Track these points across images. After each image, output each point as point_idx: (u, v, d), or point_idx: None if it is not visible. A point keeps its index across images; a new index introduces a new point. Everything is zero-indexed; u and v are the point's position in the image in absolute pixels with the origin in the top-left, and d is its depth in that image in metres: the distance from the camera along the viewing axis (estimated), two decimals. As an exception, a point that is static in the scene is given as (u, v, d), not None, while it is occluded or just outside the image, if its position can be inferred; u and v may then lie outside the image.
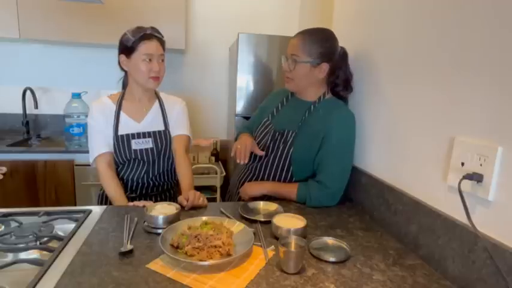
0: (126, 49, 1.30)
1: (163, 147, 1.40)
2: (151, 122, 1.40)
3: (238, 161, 1.26)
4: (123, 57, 1.32)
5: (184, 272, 0.80)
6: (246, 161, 1.25)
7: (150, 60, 1.29)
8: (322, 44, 1.22)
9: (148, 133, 1.38)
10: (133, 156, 1.35)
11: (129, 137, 1.35)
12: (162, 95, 1.48)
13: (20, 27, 2.21)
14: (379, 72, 1.20)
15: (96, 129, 1.34)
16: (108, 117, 1.35)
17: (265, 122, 1.39)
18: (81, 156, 2.15)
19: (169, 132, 1.43)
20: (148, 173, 1.40)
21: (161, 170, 1.42)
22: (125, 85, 1.43)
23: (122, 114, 1.37)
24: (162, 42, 1.34)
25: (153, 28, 1.33)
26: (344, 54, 1.30)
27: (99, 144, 1.33)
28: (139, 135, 1.36)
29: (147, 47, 1.28)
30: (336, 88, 1.31)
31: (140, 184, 1.40)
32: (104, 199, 1.43)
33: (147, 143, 1.37)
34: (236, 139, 1.52)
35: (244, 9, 2.79)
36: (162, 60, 1.34)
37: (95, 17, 2.28)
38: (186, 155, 1.41)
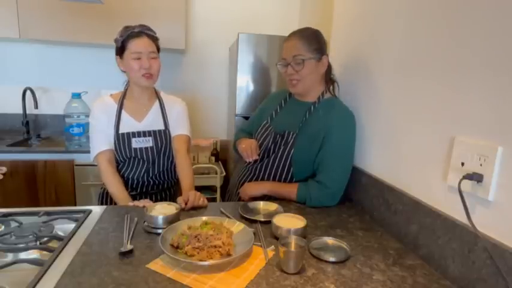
0: (118, 50, 1.32)
1: (163, 146, 1.40)
2: (152, 121, 1.41)
3: (247, 159, 1.29)
4: (118, 58, 1.34)
5: (184, 272, 0.80)
6: (255, 158, 1.28)
7: (139, 58, 1.28)
8: (317, 39, 1.25)
9: (149, 132, 1.39)
10: (133, 155, 1.36)
11: (130, 135, 1.36)
12: (162, 94, 1.48)
13: (20, 27, 2.21)
14: (379, 72, 1.20)
15: (97, 128, 1.35)
16: (110, 116, 1.36)
17: (265, 124, 1.39)
18: (81, 156, 2.15)
19: (169, 131, 1.43)
20: (148, 172, 1.40)
21: (161, 169, 1.43)
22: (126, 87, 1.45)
23: (123, 113, 1.38)
24: (153, 38, 1.33)
25: (142, 26, 1.31)
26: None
27: (100, 142, 1.34)
28: (139, 134, 1.37)
29: (135, 45, 1.28)
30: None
31: (140, 182, 1.41)
32: (104, 198, 1.44)
33: (148, 142, 1.38)
34: (234, 144, 1.52)
35: (244, 9, 2.79)
36: (154, 58, 1.32)
37: (95, 17, 2.28)
38: (187, 155, 1.42)
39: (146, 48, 1.29)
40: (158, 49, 1.36)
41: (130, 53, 1.28)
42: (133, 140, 1.36)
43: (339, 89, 1.36)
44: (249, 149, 1.28)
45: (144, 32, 1.30)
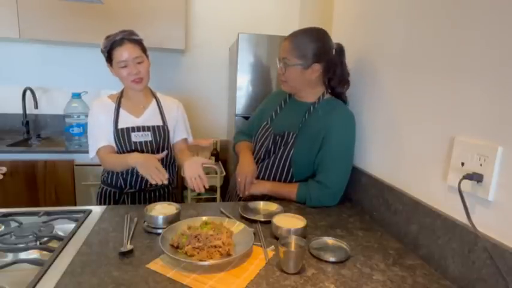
0: (106, 59, 1.34)
1: (161, 140, 1.42)
2: (149, 117, 1.43)
3: (239, 193, 1.30)
4: (109, 66, 1.36)
5: (184, 272, 0.80)
6: (248, 194, 1.29)
7: (125, 66, 1.30)
8: (312, 45, 1.20)
9: (148, 127, 1.40)
10: (133, 148, 1.37)
11: (129, 130, 1.38)
12: (158, 94, 1.51)
13: (20, 27, 2.21)
14: (379, 72, 1.20)
15: (96, 125, 1.38)
16: (108, 114, 1.38)
17: (265, 125, 1.39)
18: (81, 156, 2.15)
19: (167, 127, 1.45)
20: None
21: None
22: None
23: (121, 111, 1.40)
24: (136, 42, 1.33)
25: (123, 32, 1.31)
26: (340, 51, 1.27)
27: (100, 138, 1.36)
28: (138, 129, 1.39)
29: (119, 55, 1.29)
30: (331, 83, 1.30)
31: (140, 178, 1.41)
32: (103, 198, 1.44)
33: (146, 136, 1.40)
34: (234, 147, 1.53)
35: (244, 9, 2.79)
36: (140, 62, 1.33)
37: (95, 17, 2.28)
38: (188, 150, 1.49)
39: (130, 55, 1.29)
40: (145, 50, 1.37)
41: (116, 62, 1.30)
42: (132, 134, 1.38)
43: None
44: (243, 183, 1.27)
45: (125, 38, 1.30)
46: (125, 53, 1.29)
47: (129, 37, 1.31)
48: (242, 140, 1.50)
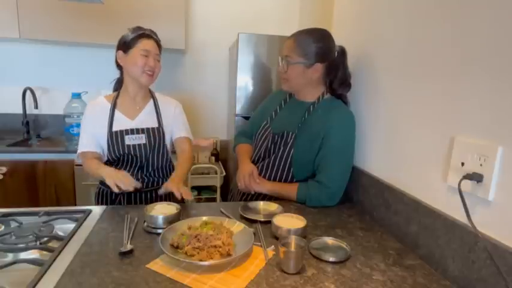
0: (124, 45, 1.35)
1: (156, 143, 1.42)
2: (145, 119, 1.43)
3: (241, 189, 1.33)
4: (120, 53, 1.37)
5: (184, 272, 0.80)
6: (252, 192, 1.31)
7: (146, 56, 1.34)
8: (315, 44, 1.22)
9: (142, 129, 1.40)
10: (126, 152, 1.37)
11: (123, 133, 1.37)
12: (157, 95, 1.50)
13: (20, 27, 2.21)
14: (379, 72, 1.20)
15: (84, 129, 1.40)
16: (102, 117, 1.38)
17: (265, 125, 1.39)
18: (81, 156, 2.15)
19: (162, 130, 1.44)
20: (142, 169, 1.41)
21: (155, 167, 1.44)
22: (117, 86, 1.47)
23: (116, 112, 1.40)
24: (158, 44, 1.40)
25: (151, 30, 1.39)
26: (342, 53, 1.28)
27: (85, 143, 1.37)
28: (132, 132, 1.39)
29: (145, 44, 1.34)
30: (332, 85, 1.30)
31: (135, 179, 1.41)
32: (101, 197, 1.44)
33: (140, 139, 1.39)
34: (234, 148, 1.53)
35: (244, 9, 2.79)
36: (158, 60, 1.39)
37: (95, 17, 2.28)
38: (191, 153, 1.47)
39: (154, 50, 1.36)
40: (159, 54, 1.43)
41: (139, 49, 1.33)
42: (126, 137, 1.38)
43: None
44: (243, 185, 1.29)
45: (152, 36, 1.38)
46: (151, 45, 1.35)
47: (156, 36, 1.39)
48: (242, 143, 1.50)
